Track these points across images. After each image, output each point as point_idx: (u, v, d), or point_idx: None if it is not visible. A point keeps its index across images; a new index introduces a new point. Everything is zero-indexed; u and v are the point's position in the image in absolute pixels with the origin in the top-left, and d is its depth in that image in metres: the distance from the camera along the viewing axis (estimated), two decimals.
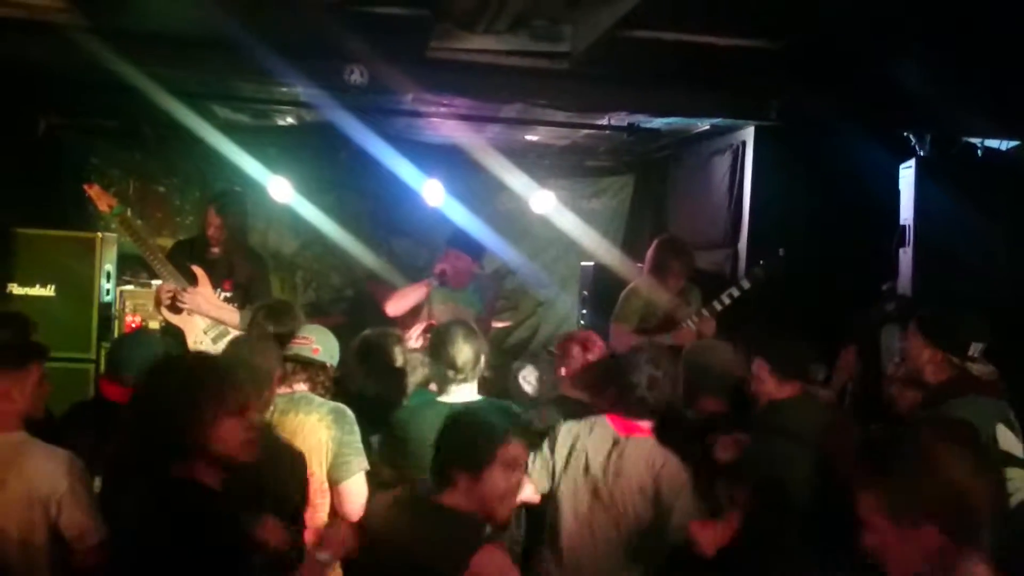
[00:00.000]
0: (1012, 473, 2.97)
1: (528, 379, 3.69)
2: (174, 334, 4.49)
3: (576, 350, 3.87)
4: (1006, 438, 3.14)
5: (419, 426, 3.27)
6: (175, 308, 4.48)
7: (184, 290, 4.44)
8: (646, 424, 3.21)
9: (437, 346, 3.46)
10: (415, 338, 4.46)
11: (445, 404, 3.37)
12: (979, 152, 5.33)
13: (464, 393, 3.44)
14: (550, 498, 3.23)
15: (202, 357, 2.37)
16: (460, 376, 3.41)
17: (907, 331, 3.49)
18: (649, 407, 3.20)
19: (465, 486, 2.38)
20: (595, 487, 3.14)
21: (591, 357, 3.85)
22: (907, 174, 4.97)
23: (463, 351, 3.39)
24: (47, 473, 2.68)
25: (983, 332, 3.33)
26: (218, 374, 2.22)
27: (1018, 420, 3.25)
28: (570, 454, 3.21)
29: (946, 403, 3.19)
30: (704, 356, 3.71)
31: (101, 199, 4.65)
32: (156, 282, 5.33)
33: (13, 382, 2.77)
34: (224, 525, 2.13)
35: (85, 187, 4.72)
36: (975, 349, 3.29)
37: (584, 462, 3.17)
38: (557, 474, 3.22)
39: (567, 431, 3.27)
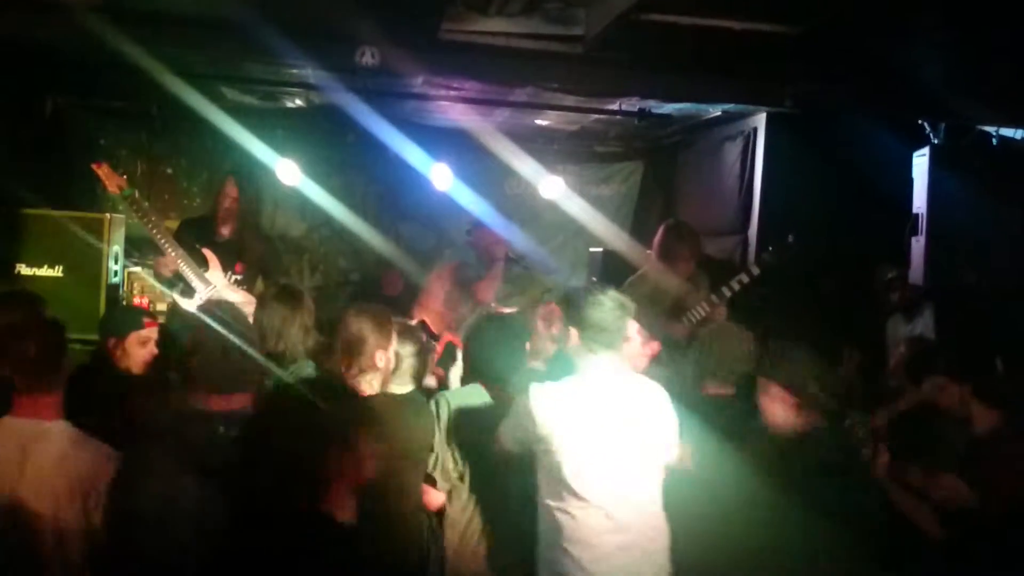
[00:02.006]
0: None
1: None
2: (184, 317, 4.48)
3: (540, 325, 3.61)
4: None
5: None
6: (186, 292, 4.47)
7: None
8: None
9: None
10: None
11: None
12: (993, 141, 5.30)
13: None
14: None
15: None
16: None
17: None
18: None
19: None
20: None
21: (555, 331, 3.49)
22: (921, 162, 4.94)
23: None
24: (90, 464, 2.62)
25: None
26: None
27: None
28: None
29: None
30: (719, 342, 3.56)
31: (111, 179, 4.62)
32: None
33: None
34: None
35: (94, 167, 4.68)
36: None
37: None
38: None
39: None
